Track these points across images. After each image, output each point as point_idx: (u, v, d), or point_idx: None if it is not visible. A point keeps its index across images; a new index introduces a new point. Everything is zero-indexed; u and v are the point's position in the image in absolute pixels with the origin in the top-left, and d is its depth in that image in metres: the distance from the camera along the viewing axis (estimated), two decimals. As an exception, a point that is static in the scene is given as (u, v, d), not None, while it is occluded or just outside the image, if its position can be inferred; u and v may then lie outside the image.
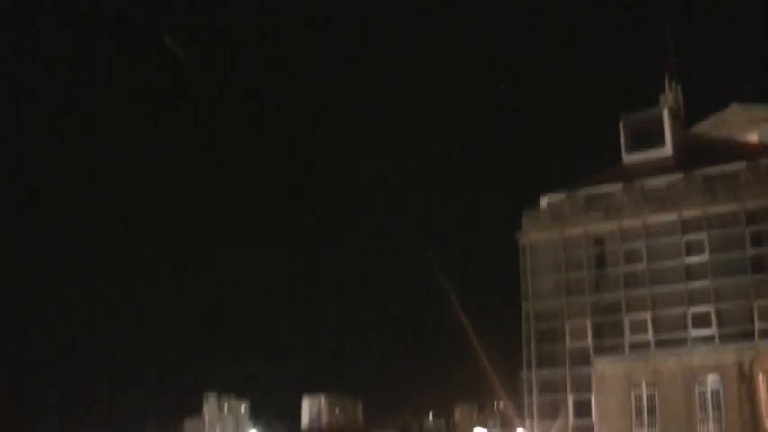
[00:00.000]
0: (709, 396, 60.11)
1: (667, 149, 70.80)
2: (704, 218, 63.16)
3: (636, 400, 62.25)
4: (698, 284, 62.39)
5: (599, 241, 67.26)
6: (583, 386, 64.42)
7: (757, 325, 59.70)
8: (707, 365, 60.28)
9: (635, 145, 72.13)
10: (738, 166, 63.65)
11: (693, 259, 63.16)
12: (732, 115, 74.09)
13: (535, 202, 71.31)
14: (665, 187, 65.55)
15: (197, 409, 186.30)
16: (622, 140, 72.55)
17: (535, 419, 65.89)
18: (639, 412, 62.00)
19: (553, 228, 68.56)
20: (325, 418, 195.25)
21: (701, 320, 61.84)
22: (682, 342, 61.97)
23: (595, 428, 63.14)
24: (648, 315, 63.40)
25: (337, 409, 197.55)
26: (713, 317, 61.34)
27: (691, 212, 63.63)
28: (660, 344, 62.60)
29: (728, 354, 59.50)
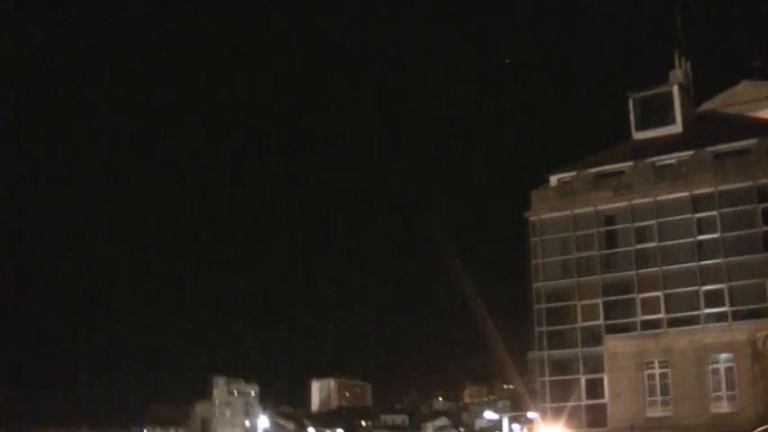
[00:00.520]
0: (722, 374, 59.96)
1: (677, 126, 70.16)
2: (715, 195, 62.57)
3: (648, 379, 62.08)
4: (710, 262, 61.85)
5: (609, 219, 66.75)
6: (595, 366, 64.08)
7: (770, 302, 59.26)
8: (719, 343, 60.04)
9: (644, 122, 71.52)
10: (749, 142, 63.03)
11: (705, 237, 62.59)
12: (742, 92, 73.63)
13: (544, 181, 70.79)
14: (676, 165, 64.98)
15: (206, 393, 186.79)
16: (632, 118, 71.89)
17: (548, 400, 65.55)
18: (652, 391, 61.84)
19: (563, 206, 68.06)
20: (334, 401, 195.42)
21: (714, 298, 61.34)
22: (694, 320, 61.57)
23: (608, 408, 62.87)
24: (660, 293, 62.87)
25: (347, 393, 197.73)
26: (725, 295, 60.81)
27: (702, 190, 63.04)
28: (672, 322, 62.15)
29: (741, 332, 59.26)
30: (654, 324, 62.88)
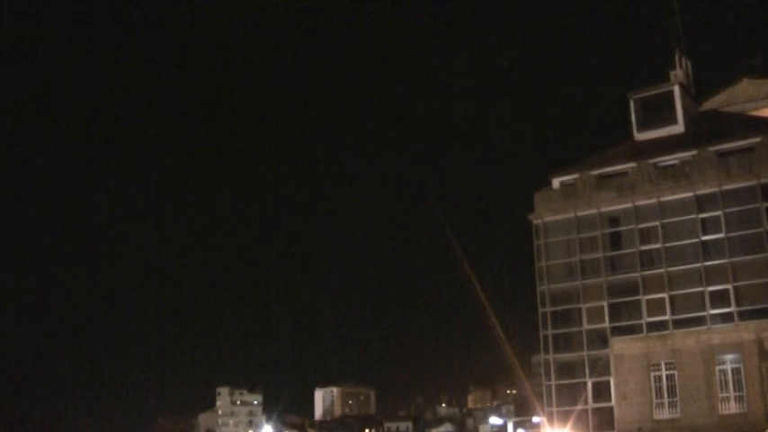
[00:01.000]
0: (729, 374, 59.49)
1: (679, 126, 69.86)
2: (719, 194, 62.23)
3: (655, 381, 61.64)
4: (715, 262, 61.49)
5: (613, 221, 66.43)
6: (601, 368, 63.66)
7: (776, 302, 58.90)
8: (726, 344, 59.61)
9: (646, 122, 71.27)
10: (753, 140, 62.70)
11: (710, 237, 62.24)
12: (743, 89, 73.44)
13: (547, 183, 70.51)
14: (679, 164, 64.65)
15: (209, 404, 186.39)
16: (633, 118, 71.62)
17: (554, 404, 65.14)
18: (659, 393, 61.39)
19: (566, 208, 67.76)
20: (338, 409, 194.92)
21: (720, 298, 60.94)
22: (700, 321, 61.14)
23: (615, 411, 62.45)
24: (666, 294, 62.51)
25: (350, 400, 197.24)
26: (731, 294, 60.40)
27: (706, 189, 62.74)
28: (678, 323, 61.74)
29: (748, 331, 58.86)
30: (660, 325, 62.47)
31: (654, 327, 62.66)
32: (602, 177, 67.90)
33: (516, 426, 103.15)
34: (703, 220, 62.69)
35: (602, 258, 65.77)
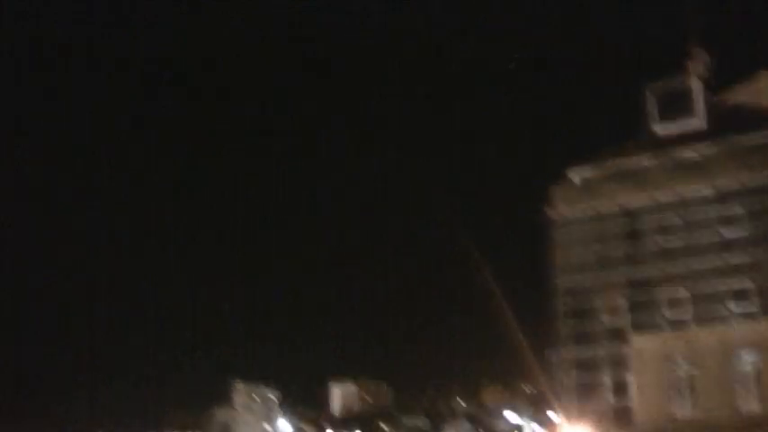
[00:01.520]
0: (749, 372, 58.51)
1: (697, 118, 68.63)
2: (740, 189, 61.18)
3: (675, 378, 60.60)
4: (735, 258, 60.48)
5: (631, 214, 65.42)
6: (620, 365, 62.76)
7: (797, 298, 58.02)
8: (746, 340, 58.64)
9: (663, 114, 69.99)
10: (774, 133, 61.67)
11: (730, 233, 61.20)
12: (761, 82, 71.93)
13: (563, 176, 69.41)
14: (698, 157, 63.61)
15: (225, 398, 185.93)
16: (649, 110, 70.40)
17: (571, 401, 64.27)
18: (679, 390, 60.38)
19: (583, 201, 66.78)
20: (353, 404, 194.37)
21: (739, 295, 60.09)
22: (720, 317, 60.22)
23: (633, 408, 61.48)
24: (685, 291, 61.53)
25: (365, 395, 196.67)
26: (752, 291, 59.46)
27: (725, 183, 61.73)
28: (698, 320, 60.78)
29: (768, 328, 57.91)
30: (679, 322, 61.58)
31: (673, 323, 61.78)
32: (621, 171, 66.91)
33: (533, 422, 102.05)
34: (723, 215, 61.63)
35: (621, 253, 64.93)
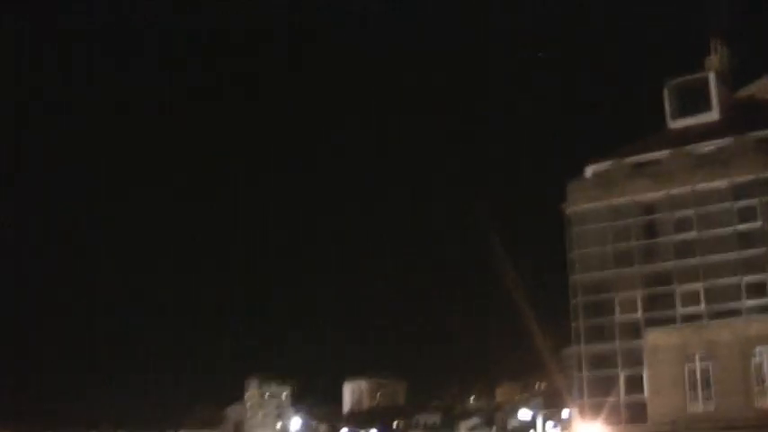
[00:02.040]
0: (766, 367, 58.14)
1: (715, 113, 68.46)
2: (756, 183, 60.77)
3: (690, 374, 60.26)
4: (752, 252, 60.06)
5: (648, 209, 65.10)
6: (634, 360, 62.38)
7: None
8: (763, 335, 58.27)
9: (680, 110, 69.84)
10: (791, 128, 61.29)
11: (746, 226, 60.82)
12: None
13: (579, 172, 69.16)
14: (715, 152, 63.24)
15: (239, 395, 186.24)
16: (667, 106, 70.20)
17: (585, 396, 63.89)
18: (694, 386, 60.05)
19: (600, 197, 66.41)
20: (366, 402, 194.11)
21: (756, 290, 59.63)
22: (736, 312, 59.83)
23: (648, 404, 61.12)
24: (701, 285, 61.15)
25: (378, 394, 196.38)
26: (769, 286, 59.04)
27: (742, 177, 61.30)
28: (714, 315, 60.39)
29: (786, 323, 57.53)
30: (695, 316, 61.19)
31: (689, 318, 61.40)
32: (637, 165, 66.64)
33: (545, 419, 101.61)
34: (740, 208, 61.25)
35: (637, 248, 64.61)
